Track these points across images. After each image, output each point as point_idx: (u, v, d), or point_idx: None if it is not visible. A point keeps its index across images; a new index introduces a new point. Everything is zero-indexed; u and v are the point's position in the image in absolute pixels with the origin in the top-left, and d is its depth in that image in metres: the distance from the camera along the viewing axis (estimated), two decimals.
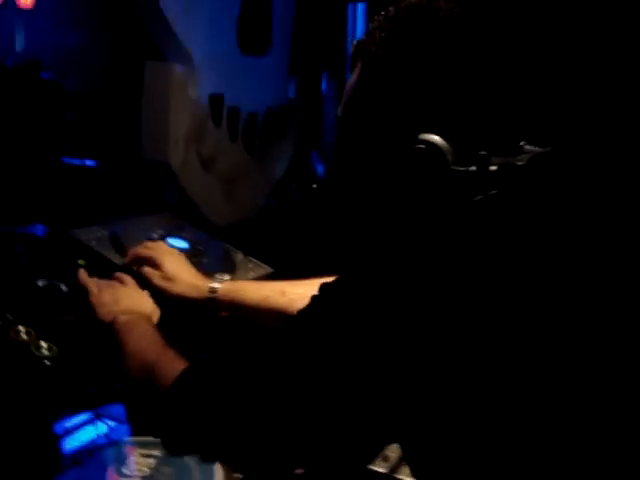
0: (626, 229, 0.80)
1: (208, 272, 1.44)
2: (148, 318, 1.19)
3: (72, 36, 1.74)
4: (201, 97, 1.83)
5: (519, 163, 0.84)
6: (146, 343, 1.05)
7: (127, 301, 1.22)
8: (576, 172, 0.84)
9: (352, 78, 0.93)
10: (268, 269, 1.65)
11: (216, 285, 1.35)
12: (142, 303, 1.25)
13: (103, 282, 1.27)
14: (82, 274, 1.27)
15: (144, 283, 1.32)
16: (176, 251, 1.45)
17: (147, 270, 1.35)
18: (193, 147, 1.81)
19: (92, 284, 1.25)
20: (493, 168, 0.84)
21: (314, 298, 0.85)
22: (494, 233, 0.79)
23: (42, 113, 1.64)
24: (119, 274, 1.31)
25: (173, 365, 0.93)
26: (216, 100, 1.90)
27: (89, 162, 1.73)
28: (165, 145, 1.73)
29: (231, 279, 1.43)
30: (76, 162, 1.70)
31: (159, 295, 1.32)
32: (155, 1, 1.64)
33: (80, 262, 1.38)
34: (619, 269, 0.78)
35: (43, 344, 1.07)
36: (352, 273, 0.83)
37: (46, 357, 1.06)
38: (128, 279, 1.29)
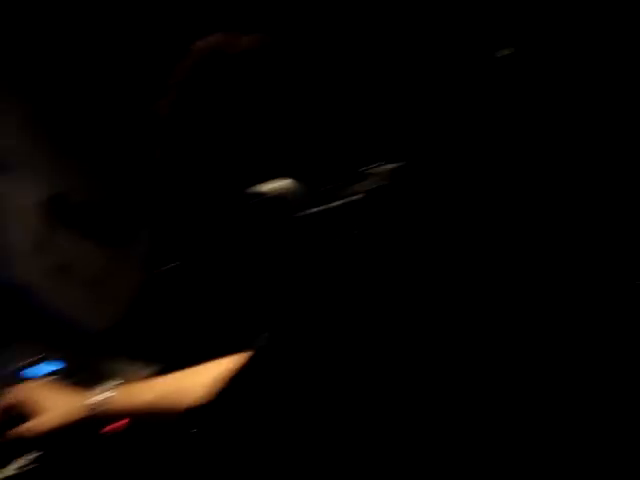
0: None
1: (91, 388, 1.30)
2: None
3: None
4: (39, 202, 1.67)
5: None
6: None
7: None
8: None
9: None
10: (157, 366, 1.52)
11: (97, 398, 1.21)
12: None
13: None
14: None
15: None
16: (43, 382, 1.29)
17: (8, 434, 1.19)
18: (42, 258, 1.65)
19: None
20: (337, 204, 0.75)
21: None
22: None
23: None
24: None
25: None
26: (56, 201, 1.74)
27: None
28: (9, 265, 1.56)
29: (119, 385, 1.30)
30: None
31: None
32: None
33: None
34: None
35: None
36: None
37: None
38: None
